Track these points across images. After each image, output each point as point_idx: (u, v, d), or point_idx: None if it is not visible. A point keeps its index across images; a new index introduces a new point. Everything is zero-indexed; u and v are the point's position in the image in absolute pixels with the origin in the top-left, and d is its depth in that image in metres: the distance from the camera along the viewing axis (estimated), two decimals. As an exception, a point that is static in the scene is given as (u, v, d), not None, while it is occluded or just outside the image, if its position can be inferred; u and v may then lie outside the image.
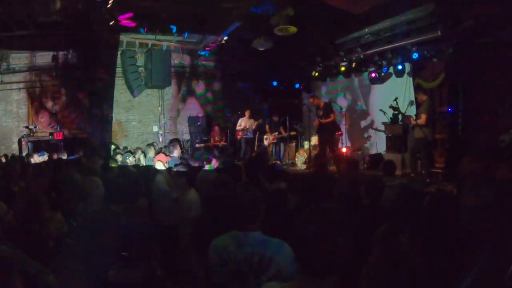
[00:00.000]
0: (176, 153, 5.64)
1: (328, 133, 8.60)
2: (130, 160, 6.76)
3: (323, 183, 3.52)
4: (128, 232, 1.86)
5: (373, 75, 9.62)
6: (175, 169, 4.05)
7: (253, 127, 10.91)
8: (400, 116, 8.07)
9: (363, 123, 10.36)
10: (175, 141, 5.90)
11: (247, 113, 10.92)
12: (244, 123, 10.88)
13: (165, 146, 7.81)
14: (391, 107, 7.80)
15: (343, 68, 10.07)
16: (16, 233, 2.59)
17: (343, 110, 9.77)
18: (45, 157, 7.29)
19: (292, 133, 11.15)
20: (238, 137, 11.03)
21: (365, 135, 10.25)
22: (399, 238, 1.87)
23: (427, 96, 7.35)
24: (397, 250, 1.85)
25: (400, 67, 8.87)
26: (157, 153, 6.42)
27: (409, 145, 7.81)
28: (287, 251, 1.98)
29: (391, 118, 8.54)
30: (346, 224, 1.33)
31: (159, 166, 4.98)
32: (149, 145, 7.18)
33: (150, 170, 5.07)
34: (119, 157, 6.79)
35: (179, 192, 3.92)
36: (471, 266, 1.52)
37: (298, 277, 1.37)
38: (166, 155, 5.18)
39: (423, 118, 6.95)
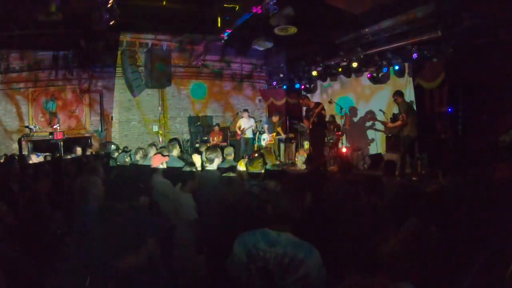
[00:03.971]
0: (176, 152, 5.64)
1: (318, 133, 8.70)
2: (127, 160, 6.75)
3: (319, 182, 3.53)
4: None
5: (368, 76, 9.65)
6: (183, 169, 4.04)
7: (253, 127, 10.98)
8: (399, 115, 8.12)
9: (363, 123, 10.35)
10: (174, 141, 5.90)
11: (245, 114, 10.98)
12: (243, 123, 10.93)
13: (162, 147, 7.80)
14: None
15: (342, 69, 10.10)
16: (17, 234, 2.59)
17: (343, 110, 9.77)
18: (41, 158, 7.32)
19: (291, 135, 11.16)
20: (238, 137, 11.09)
21: (365, 135, 10.24)
22: (430, 231, 1.87)
23: (402, 99, 7.77)
24: (427, 242, 1.85)
25: (396, 67, 8.90)
26: (157, 153, 6.40)
27: (402, 146, 7.83)
28: (317, 256, 2.00)
29: (391, 118, 8.55)
30: (391, 220, 1.33)
31: (156, 165, 4.96)
32: (151, 145, 7.18)
33: (147, 169, 5.06)
34: (118, 157, 6.79)
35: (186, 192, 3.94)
36: (471, 266, 1.52)
37: (350, 277, 1.35)
38: (163, 155, 5.16)
39: (405, 118, 7.46)
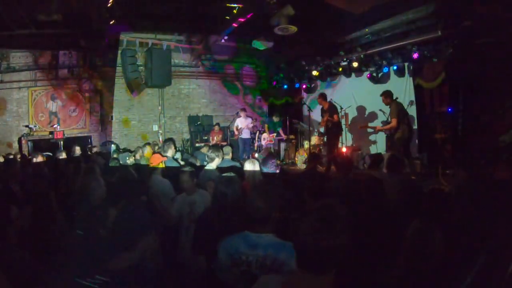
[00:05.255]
0: (170, 152, 5.63)
1: (332, 134, 8.69)
2: (130, 160, 6.75)
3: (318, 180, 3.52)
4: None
5: (368, 76, 9.65)
6: (182, 169, 4.03)
7: (250, 126, 10.86)
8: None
9: (363, 123, 10.34)
10: (169, 141, 5.88)
11: (242, 113, 10.82)
12: (240, 123, 10.76)
13: (160, 147, 7.81)
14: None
15: (342, 68, 10.08)
16: (25, 236, 2.59)
17: (343, 110, 9.77)
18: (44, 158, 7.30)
19: (291, 136, 11.12)
20: (235, 137, 10.99)
21: (365, 135, 10.23)
22: (434, 234, 1.88)
23: (391, 100, 7.48)
24: (432, 245, 1.85)
25: (395, 67, 8.89)
26: (155, 153, 6.40)
27: (391, 146, 7.78)
28: None
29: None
30: (347, 221, 1.33)
31: (155, 165, 4.95)
32: (146, 144, 7.17)
33: (146, 169, 5.05)
34: (120, 157, 6.78)
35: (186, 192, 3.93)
36: (471, 265, 1.52)
37: (297, 272, 1.37)
38: (162, 155, 5.15)
39: (394, 122, 7.17)
